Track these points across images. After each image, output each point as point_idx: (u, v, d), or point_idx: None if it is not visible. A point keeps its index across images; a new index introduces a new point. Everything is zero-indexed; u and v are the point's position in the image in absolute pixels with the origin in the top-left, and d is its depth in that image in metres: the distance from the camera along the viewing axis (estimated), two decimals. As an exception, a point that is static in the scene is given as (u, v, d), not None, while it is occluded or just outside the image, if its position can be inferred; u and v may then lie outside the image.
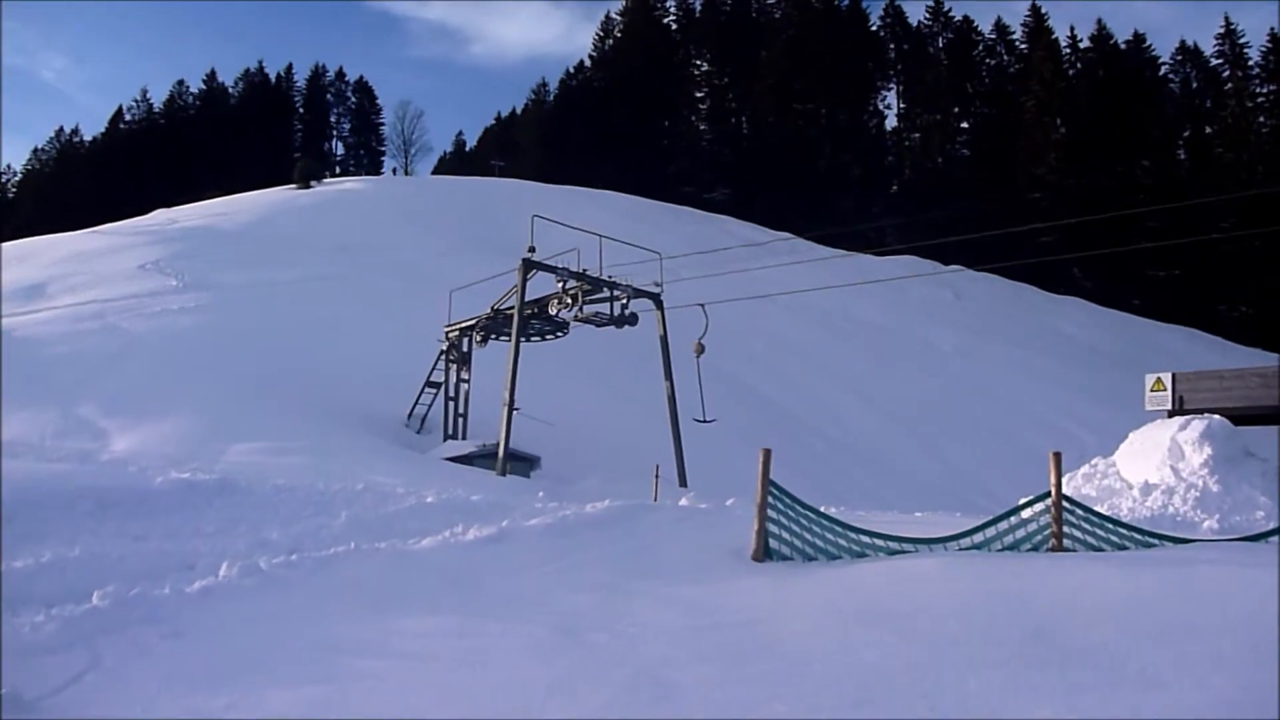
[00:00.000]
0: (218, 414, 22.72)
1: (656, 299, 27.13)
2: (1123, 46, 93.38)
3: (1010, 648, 6.24)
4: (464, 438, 28.16)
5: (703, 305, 24.70)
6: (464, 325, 29.32)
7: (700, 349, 25.45)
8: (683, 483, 25.39)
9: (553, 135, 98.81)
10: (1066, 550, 9.97)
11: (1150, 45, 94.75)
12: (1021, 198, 76.23)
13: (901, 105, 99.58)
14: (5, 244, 47.37)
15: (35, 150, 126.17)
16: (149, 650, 6.55)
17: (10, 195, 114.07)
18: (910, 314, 58.88)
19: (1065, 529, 10.10)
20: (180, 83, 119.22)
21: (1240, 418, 18.82)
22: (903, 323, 57.45)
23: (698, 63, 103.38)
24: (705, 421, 25.97)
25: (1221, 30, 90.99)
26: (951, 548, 9.70)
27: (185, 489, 13.19)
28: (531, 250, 25.30)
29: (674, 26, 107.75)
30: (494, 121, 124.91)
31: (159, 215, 58.67)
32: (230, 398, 24.64)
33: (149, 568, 9.10)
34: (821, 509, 10.53)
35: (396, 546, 9.86)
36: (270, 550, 10.05)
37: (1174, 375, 20.68)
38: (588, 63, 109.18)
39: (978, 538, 9.88)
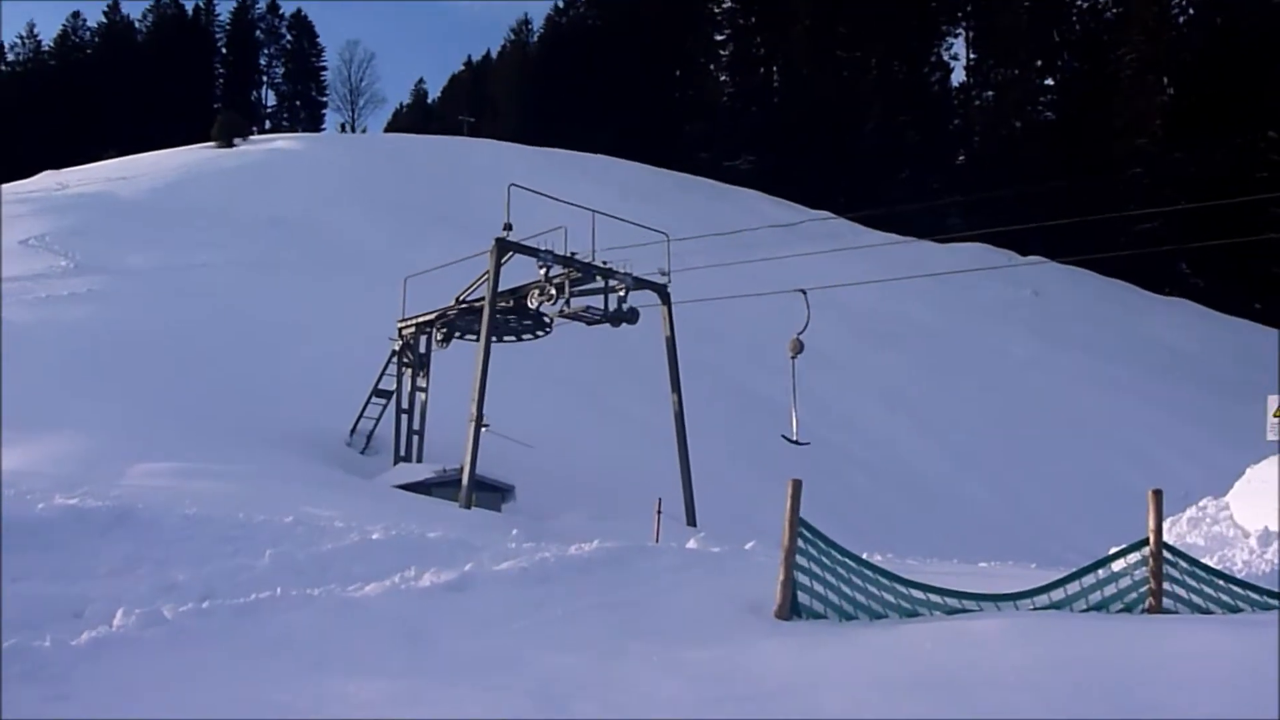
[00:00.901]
0: (116, 428, 22.74)
1: (662, 291, 27.17)
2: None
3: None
4: (419, 460, 28.18)
5: (804, 291, 24.28)
6: (422, 321, 29.39)
7: (798, 347, 24.81)
8: (691, 521, 25.41)
9: (536, 87, 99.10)
10: (1166, 612, 9.98)
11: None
12: (1118, 175, 76.32)
13: (971, 56, 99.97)
14: None
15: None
16: (29, 716, 6.57)
17: None
18: (977, 316, 58.93)
19: (1166, 585, 10.10)
20: (75, 15, 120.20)
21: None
22: (967, 327, 57.50)
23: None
24: (797, 443, 25.28)
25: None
26: (1023, 606, 9.70)
27: (74, 518, 13.19)
28: (507, 229, 25.34)
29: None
30: (463, 68, 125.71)
31: (45, 179, 58.81)
32: (131, 408, 24.66)
33: (28, 614, 9.10)
34: (864, 556, 10.52)
35: (334, 594, 9.86)
36: (178, 596, 10.03)
37: (1304, 399, 20.64)
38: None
39: (1056, 595, 9.87)
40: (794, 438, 24.10)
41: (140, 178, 54.88)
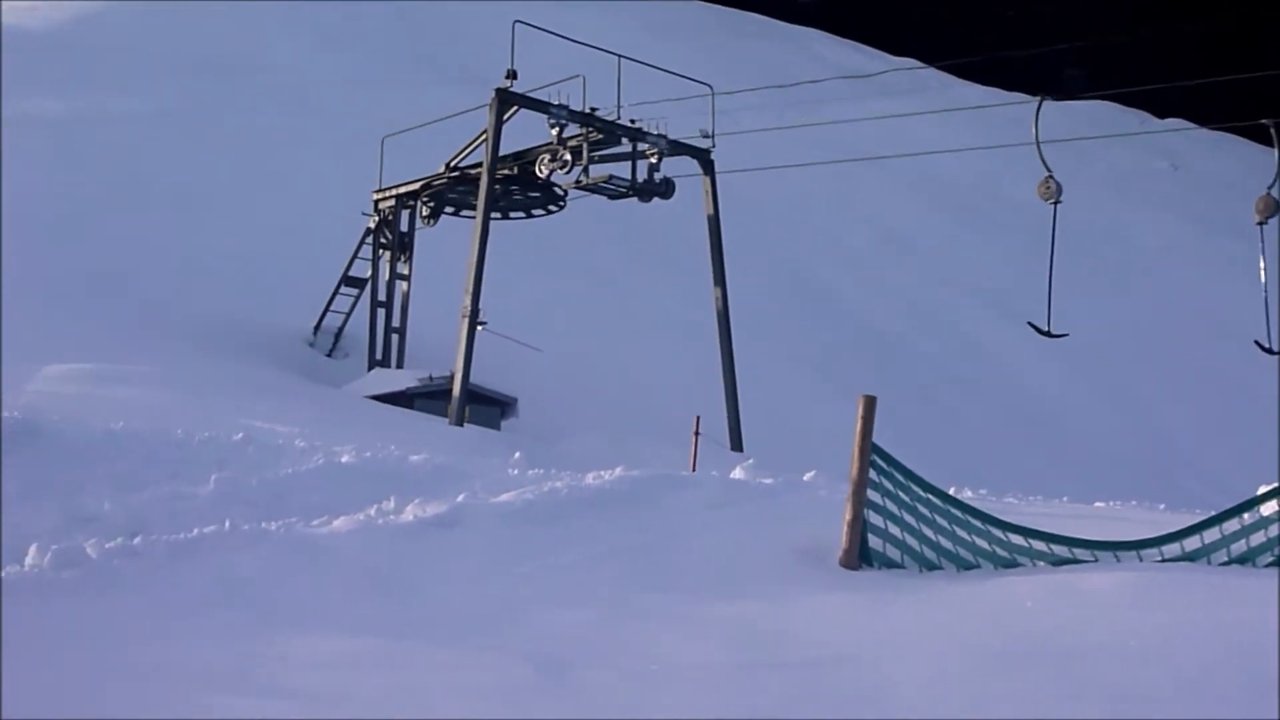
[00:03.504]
0: (17, 321, 22.81)
1: (704, 157, 26.97)
2: None
3: (1237, 708, 6.25)
4: (400, 366, 28.29)
5: (1273, 125, 21.08)
6: (403, 191, 29.30)
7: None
8: (736, 445, 25.48)
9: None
10: (1329, 566, 9.95)
11: None
12: (1284, 14, 74.96)
13: None
14: None
15: None
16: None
17: None
18: (1099, 194, 58.35)
19: (1331, 534, 10.05)
20: None
21: None
22: (1087, 207, 56.90)
23: None
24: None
25: None
26: (1149, 557, 9.69)
27: (-32, 431, 13.28)
28: (510, 77, 25.13)
29: None
30: None
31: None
32: (37, 296, 24.76)
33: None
34: (951, 491, 10.51)
35: (294, 529, 9.91)
36: (100, 529, 10.09)
37: None
38: None
39: (1190, 543, 9.85)
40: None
41: (45, 8, 54.50)
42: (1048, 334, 22.58)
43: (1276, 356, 22.52)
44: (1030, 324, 23.18)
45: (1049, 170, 21.68)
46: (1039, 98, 21.96)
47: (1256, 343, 22.52)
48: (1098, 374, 43.10)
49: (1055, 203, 22.12)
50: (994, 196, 55.45)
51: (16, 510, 10.91)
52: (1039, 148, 21.30)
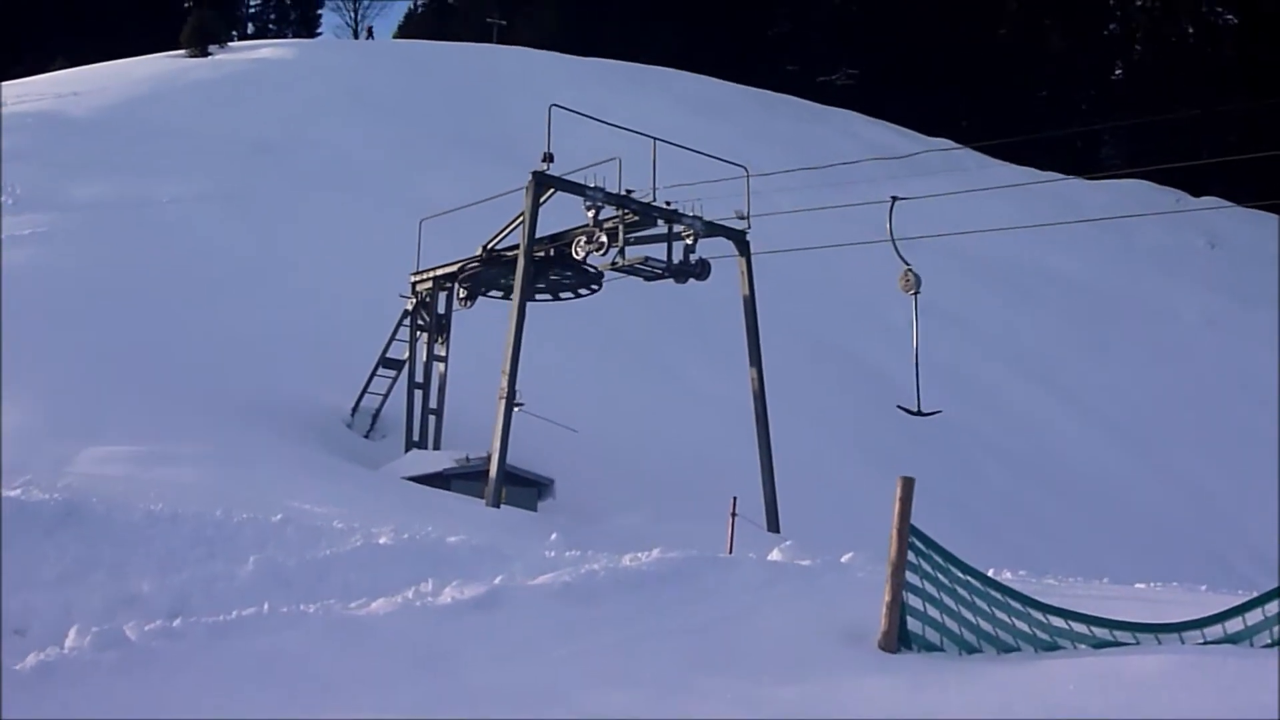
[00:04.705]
0: (63, 401, 23.05)
1: (740, 238, 27.07)
2: None
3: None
4: (437, 447, 28.35)
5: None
6: (441, 273, 29.48)
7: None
8: (774, 526, 25.39)
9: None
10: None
11: None
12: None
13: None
14: None
15: None
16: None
17: None
18: (1139, 269, 58.33)
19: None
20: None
21: None
22: (1126, 282, 56.93)
23: None
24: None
25: None
26: (1191, 639, 9.63)
27: (14, 513, 13.35)
28: (547, 160, 25.32)
29: None
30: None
31: (-22, 94, 59.52)
32: (84, 377, 24.97)
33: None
34: (990, 573, 10.47)
35: (332, 610, 9.96)
36: (141, 610, 10.19)
37: None
38: None
39: (1233, 625, 9.76)
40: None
41: (94, 93, 55.33)
42: (919, 413, 23.45)
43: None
44: (900, 406, 23.86)
45: (907, 263, 22.75)
46: (890, 199, 23.42)
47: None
48: (1142, 447, 42.88)
49: (915, 294, 23.22)
50: (1032, 271, 55.45)
51: (58, 592, 11.00)
52: (895, 244, 22.53)
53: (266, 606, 9.85)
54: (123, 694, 7.85)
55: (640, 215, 25.73)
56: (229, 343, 29.07)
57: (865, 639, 9.48)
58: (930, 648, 9.40)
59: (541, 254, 26.55)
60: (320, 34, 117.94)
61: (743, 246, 27.11)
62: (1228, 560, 33.20)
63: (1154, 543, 35.11)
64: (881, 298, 47.53)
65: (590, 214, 25.45)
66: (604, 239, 25.48)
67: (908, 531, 9.47)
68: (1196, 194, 64.30)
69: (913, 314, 23.65)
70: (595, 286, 28.54)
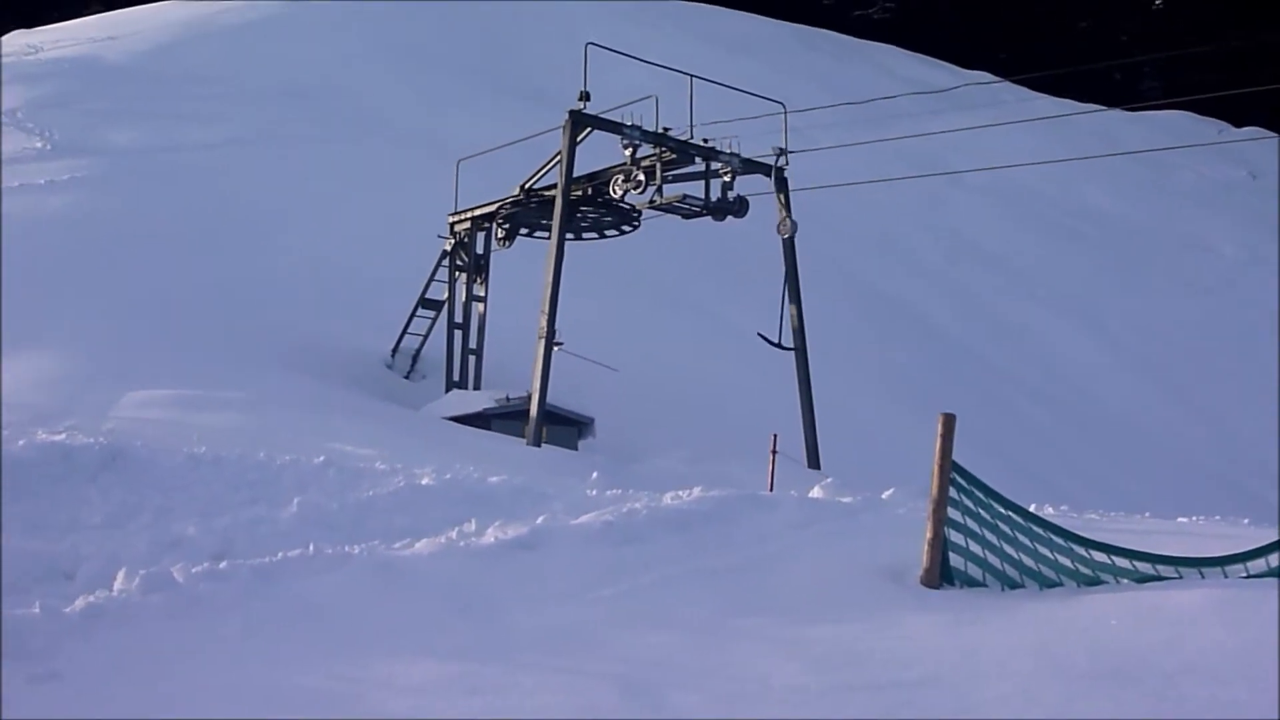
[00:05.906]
0: (104, 345, 23.16)
1: (778, 175, 26.89)
2: None
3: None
4: (477, 387, 28.41)
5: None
6: (479, 214, 29.44)
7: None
8: (814, 463, 25.39)
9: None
10: None
11: None
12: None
13: None
14: None
15: None
16: (11, 699, 6.75)
17: None
18: (1176, 203, 57.79)
19: None
20: None
21: None
22: (1164, 217, 56.41)
23: None
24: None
25: None
26: (1235, 573, 9.59)
27: (59, 458, 13.47)
28: (584, 98, 25.20)
29: None
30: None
31: (15, 40, 59.49)
32: (122, 321, 25.07)
33: (12, 575, 9.36)
34: (1031, 509, 10.43)
35: (375, 552, 10.01)
36: (187, 553, 10.26)
37: None
38: None
39: (1275, 559, 9.73)
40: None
41: (129, 38, 55.27)
42: (778, 345, 25.76)
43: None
44: (760, 334, 24.92)
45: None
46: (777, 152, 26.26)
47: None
48: (1181, 385, 42.60)
49: (788, 237, 26.09)
50: (1070, 207, 54.97)
51: (106, 536, 11.09)
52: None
53: (311, 549, 9.92)
54: (171, 636, 7.91)
55: (677, 153, 25.61)
56: (267, 287, 29.14)
57: (907, 576, 9.49)
58: (972, 583, 9.41)
59: (579, 193, 26.49)
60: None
61: (781, 183, 26.91)
62: (1266, 498, 32.96)
63: (1191, 479, 34.95)
64: (915, 236, 47.46)
65: (627, 152, 25.37)
66: (641, 177, 25.42)
67: (949, 467, 9.45)
68: (1239, 125, 63.56)
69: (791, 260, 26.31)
70: (633, 225, 28.46)
